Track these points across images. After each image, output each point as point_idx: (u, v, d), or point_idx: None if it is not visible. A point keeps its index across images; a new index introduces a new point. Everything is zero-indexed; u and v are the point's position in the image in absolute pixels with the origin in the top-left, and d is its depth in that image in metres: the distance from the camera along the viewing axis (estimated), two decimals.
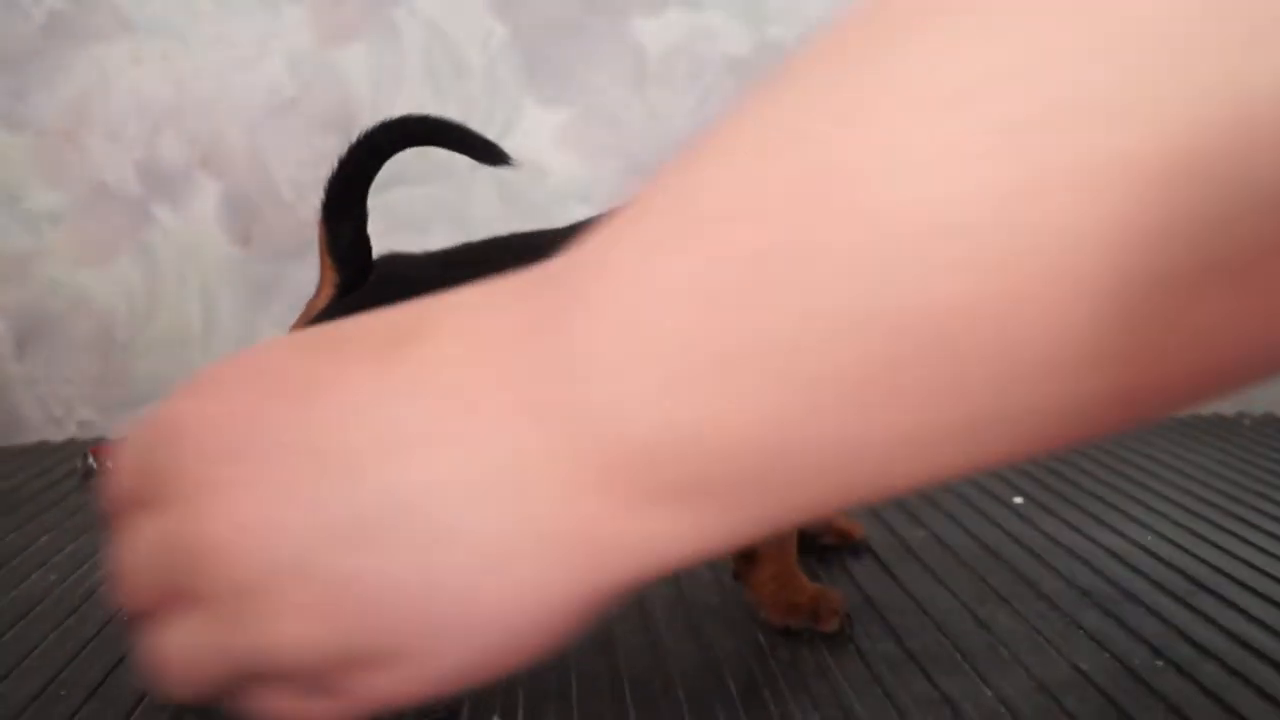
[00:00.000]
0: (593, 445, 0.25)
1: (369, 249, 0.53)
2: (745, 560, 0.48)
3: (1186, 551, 0.54)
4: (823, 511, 0.26)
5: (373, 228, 0.53)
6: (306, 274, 0.64)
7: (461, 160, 0.87)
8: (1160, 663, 0.41)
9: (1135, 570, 0.51)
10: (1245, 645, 0.43)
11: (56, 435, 0.88)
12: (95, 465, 0.74)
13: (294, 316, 0.54)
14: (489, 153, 0.54)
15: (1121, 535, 0.56)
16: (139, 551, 0.30)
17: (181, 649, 0.30)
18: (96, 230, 0.87)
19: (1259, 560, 0.52)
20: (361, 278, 0.52)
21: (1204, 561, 0.52)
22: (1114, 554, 0.54)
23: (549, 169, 0.87)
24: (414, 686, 0.28)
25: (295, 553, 0.28)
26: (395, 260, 0.54)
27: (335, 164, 0.53)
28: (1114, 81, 0.19)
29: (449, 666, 0.28)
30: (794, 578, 0.47)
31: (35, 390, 0.88)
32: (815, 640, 0.45)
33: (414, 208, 0.87)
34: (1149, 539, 0.56)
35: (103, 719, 0.39)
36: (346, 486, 0.27)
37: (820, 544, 0.55)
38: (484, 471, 0.27)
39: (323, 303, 0.53)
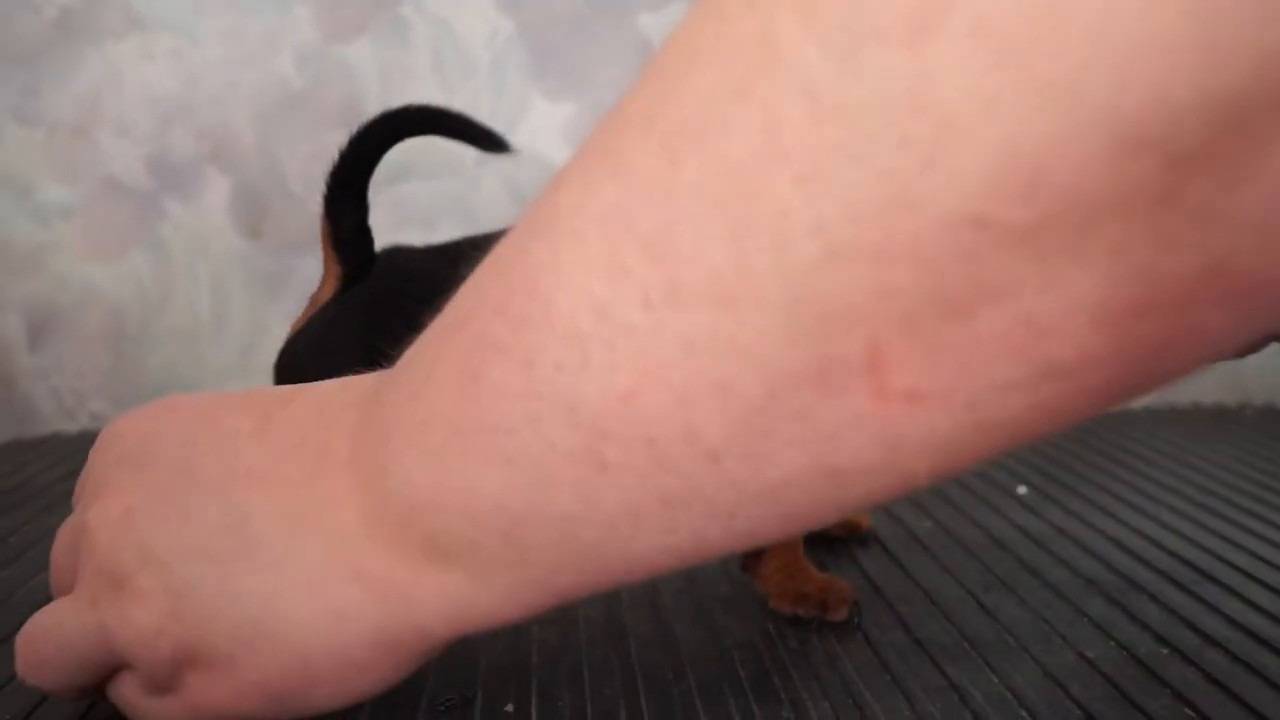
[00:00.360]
0: (385, 497, 0.29)
1: (371, 241, 0.53)
2: (752, 551, 0.48)
3: (1190, 541, 0.54)
4: (591, 587, 0.29)
5: (380, 222, 0.54)
6: (316, 267, 0.65)
7: (468, 155, 0.88)
8: (1165, 650, 0.42)
9: (1139, 559, 0.52)
10: (1249, 633, 0.43)
11: (69, 427, 0.88)
12: None
13: (303, 309, 0.55)
14: (489, 141, 0.55)
15: (1125, 524, 0.57)
16: (59, 539, 0.36)
17: (47, 624, 0.35)
18: (107, 224, 0.87)
19: (1262, 549, 0.53)
20: (364, 270, 0.52)
21: (1208, 551, 0.53)
22: (1118, 543, 0.54)
23: (555, 164, 0.88)
24: (226, 693, 0.32)
25: (152, 549, 0.32)
26: (398, 253, 0.54)
27: (336, 156, 0.53)
28: (732, 214, 0.22)
29: (257, 678, 0.31)
30: (802, 568, 0.48)
31: (47, 382, 0.88)
32: (824, 629, 0.45)
33: (421, 202, 0.87)
34: (1152, 528, 0.56)
35: (117, 713, 0.40)
36: (203, 502, 0.32)
37: (828, 535, 0.56)
38: (303, 507, 0.31)
39: (326, 295, 0.53)
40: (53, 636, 0.34)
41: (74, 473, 0.72)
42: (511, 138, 0.87)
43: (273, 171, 0.87)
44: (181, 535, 0.32)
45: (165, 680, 0.32)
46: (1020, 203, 0.19)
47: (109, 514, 0.33)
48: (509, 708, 0.39)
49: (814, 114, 0.20)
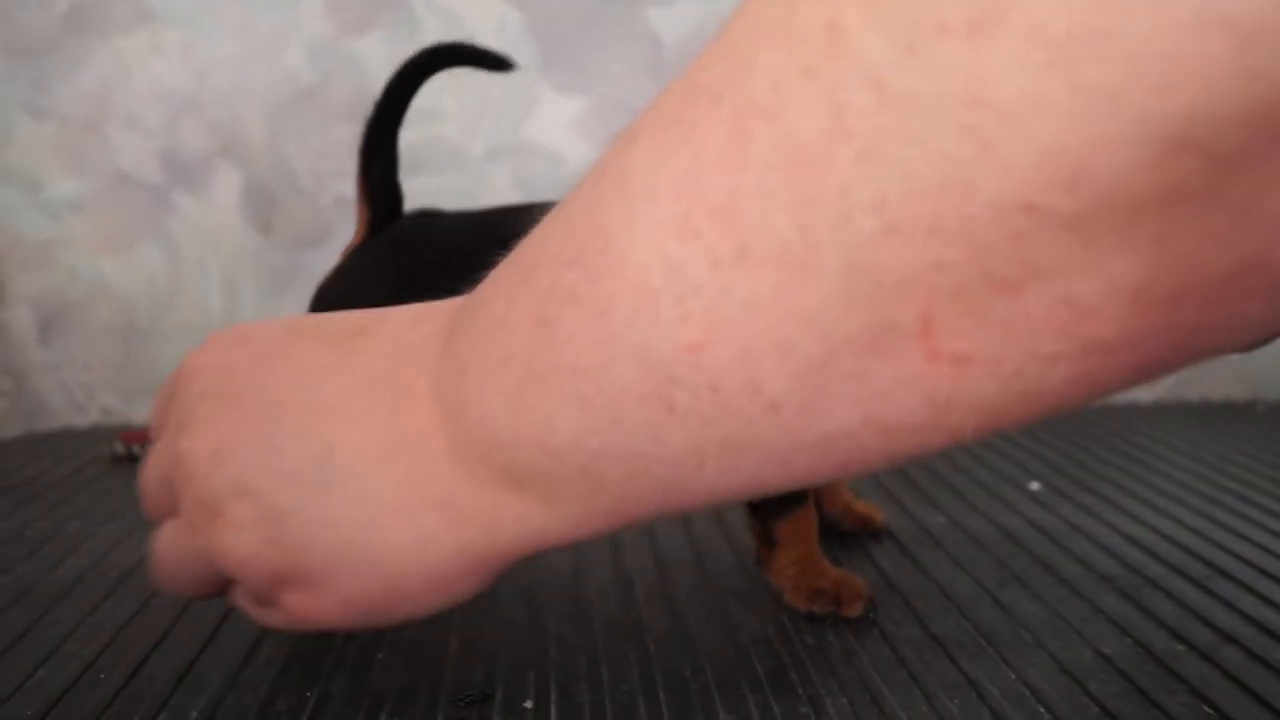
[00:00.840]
0: (465, 431, 0.32)
1: (399, 191, 0.57)
2: (767, 546, 0.49)
3: (1203, 537, 0.54)
4: (657, 513, 0.31)
5: None
6: (326, 262, 0.65)
7: (477, 149, 0.88)
8: (1181, 647, 0.42)
9: (1153, 555, 0.52)
10: (1264, 629, 0.43)
11: (80, 421, 0.89)
12: (123, 450, 0.74)
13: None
14: (499, 62, 0.59)
15: (1138, 520, 0.57)
16: (149, 467, 0.38)
17: (163, 547, 0.38)
18: (118, 218, 0.87)
19: (1275, 545, 0.53)
20: (391, 216, 0.56)
21: (1221, 547, 0.53)
22: (1131, 539, 0.54)
23: (564, 157, 0.88)
24: (321, 608, 0.35)
25: (245, 480, 0.34)
26: (428, 214, 0.57)
27: (373, 107, 0.57)
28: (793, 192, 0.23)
29: (352, 596, 0.34)
30: (816, 563, 0.48)
31: (58, 376, 0.88)
32: (840, 624, 0.45)
33: (432, 196, 0.87)
34: (1165, 524, 0.56)
35: (143, 700, 0.40)
36: (290, 436, 0.34)
37: (841, 529, 0.56)
38: (390, 439, 0.33)
39: (357, 241, 0.56)
40: (168, 560, 0.38)
41: (86, 466, 0.72)
42: (521, 131, 0.88)
43: (283, 166, 0.87)
44: (271, 467, 0.34)
45: (266, 596, 0.36)
46: (1067, 193, 0.20)
47: (200, 449, 0.35)
48: (528, 704, 0.39)
49: (877, 99, 0.21)
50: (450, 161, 0.88)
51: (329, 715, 0.39)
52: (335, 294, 0.54)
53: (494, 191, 0.88)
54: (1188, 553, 0.52)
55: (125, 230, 0.87)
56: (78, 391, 0.89)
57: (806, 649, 0.43)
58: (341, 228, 0.85)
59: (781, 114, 0.23)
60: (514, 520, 0.32)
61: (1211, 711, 0.37)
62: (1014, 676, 0.40)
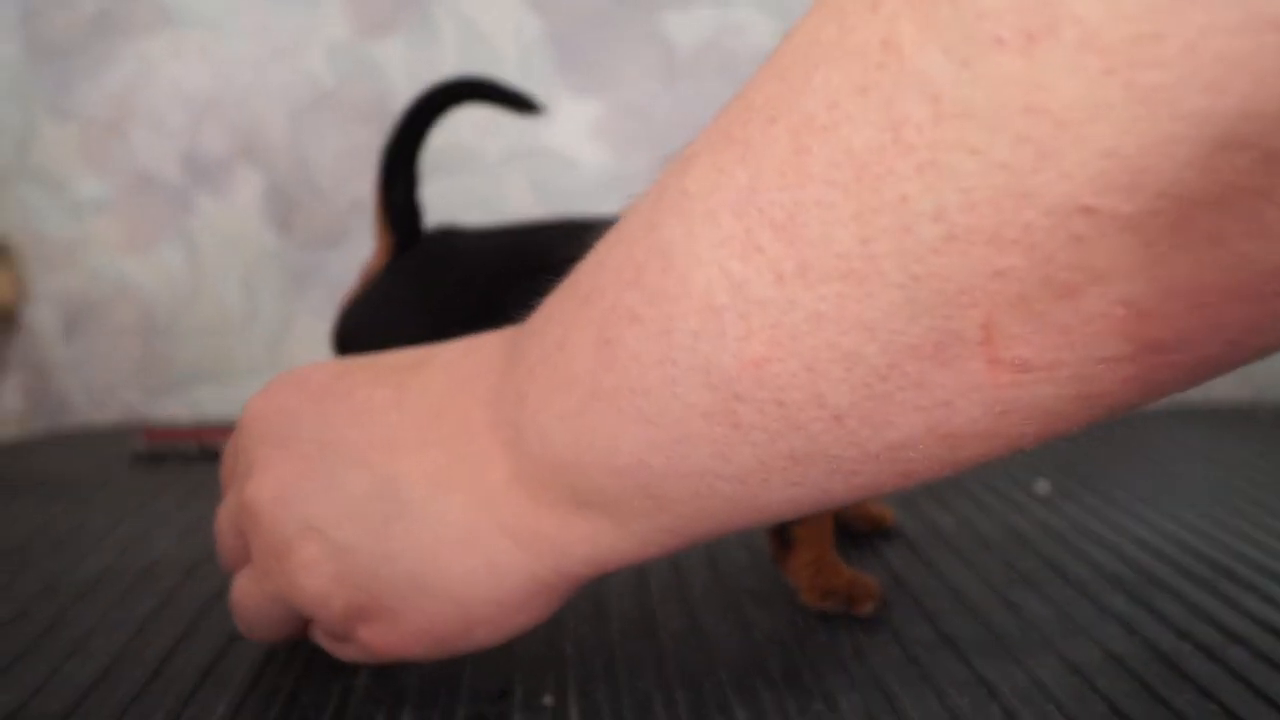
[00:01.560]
0: (528, 456, 0.32)
1: (418, 212, 0.56)
2: (782, 546, 0.49)
3: (1210, 538, 0.55)
4: (722, 531, 0.32)
5: None
6: (344, 263, 0.66)
7: (493, 152, 0.88)
8: (1189, 646, 0.43)
9: (1160, 556, 0.52)
10: (1270, 629, 0.44)
11: (101, 418, 0.89)
12: (145, 448, 0.75)
13: (332, 304, 0.56)
14: (522, 103, 0.59)
15: (1145, 522, 0.58)
16: (221, 518, 0.39)
17: (240, 595, 0.39)
18: (140, 219, 0.88)
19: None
20: (412, 239, 0.56)
21: (1227, 548, 0.53)
22: (1139, 540, 0.55)
23: (580, 161, 0.89)
24: (396, 640, 0.36)
25: (310, 519, 0.35)
26: (449, 231, 0.57)
27: (392, 130, 0.56)
28: (852, 209, 0.24)
29: (423, 627, 0.35)
30: (831, 563, 0.48)
31: (80, 375, 0.89)
32: (852, 623, 0.46)
33: (447, 199, 0.88)
34: (1172, 526, 0.57)
35: (168, 695, 0.41)
36: (351, 472, 0.35)
37: (852, 529, 0.57)
38: (449, 470, 0.34)
39: (377, 265, 0.56)
40: (246, 607, 0.39)
41: (108, 464, 0.73)
42: (537, 135, 0.89)
43: (302, 168, 0.88)
44: (334, 504, 0.35)
45: (341, 633, 0.36)
46: (1125, 196, 0.21)
47: (264, 492, 0.36)
48: (548, 700, 0.40)
49: (935, 112, 0.22)
50: (466, 165, 0.88)
51: (352, 711, 0.39)
52: (361, 321, 0.54)
53: (509, 195, 0.89)
54: (1194, 554, 0.53)
55: (147, 231, 0.88)
56: (99, 390, 0.90)
57: (820, 647, 0.44)
58: (360, 230, 0.86)
59: (839, 130, 0.23)
60: (580, 542, 0.32)
61: (1218, 709, 0.38)
62: (1024, 675, 0.41)
